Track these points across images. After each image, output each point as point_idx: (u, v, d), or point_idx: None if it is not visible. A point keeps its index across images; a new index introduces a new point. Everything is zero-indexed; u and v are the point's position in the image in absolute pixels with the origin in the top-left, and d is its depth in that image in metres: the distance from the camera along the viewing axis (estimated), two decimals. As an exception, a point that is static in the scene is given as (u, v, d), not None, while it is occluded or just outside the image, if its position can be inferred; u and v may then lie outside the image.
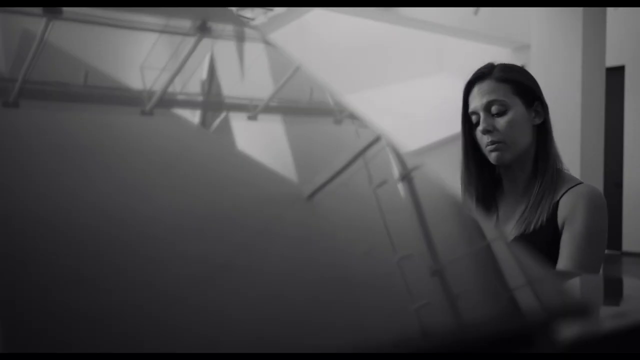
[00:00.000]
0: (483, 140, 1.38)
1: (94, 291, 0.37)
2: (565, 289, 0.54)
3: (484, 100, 1.36)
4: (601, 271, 1.42)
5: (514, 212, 1.40)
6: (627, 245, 7.43)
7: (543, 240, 1.31)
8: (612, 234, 7.23)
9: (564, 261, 1.29)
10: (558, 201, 1.33)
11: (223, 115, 0.71)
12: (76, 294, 0.36)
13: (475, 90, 1.39)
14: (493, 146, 1.35)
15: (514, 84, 1.36)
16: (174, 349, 0.34)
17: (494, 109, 1.35)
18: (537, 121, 1.38)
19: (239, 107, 0.72)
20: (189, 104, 0.71)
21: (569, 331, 0.47)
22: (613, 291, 0.84)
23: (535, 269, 0.55)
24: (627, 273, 6.47)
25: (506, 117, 1.35)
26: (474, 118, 1.39)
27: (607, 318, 0.63)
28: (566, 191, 1.34)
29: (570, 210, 1.31)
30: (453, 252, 0.56)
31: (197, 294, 0.39)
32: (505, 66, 1.40)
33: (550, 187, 1.35)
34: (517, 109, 1.36)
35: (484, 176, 1.44)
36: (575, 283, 0.89)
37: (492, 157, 1.37)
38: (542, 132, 1.38)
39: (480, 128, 1.37)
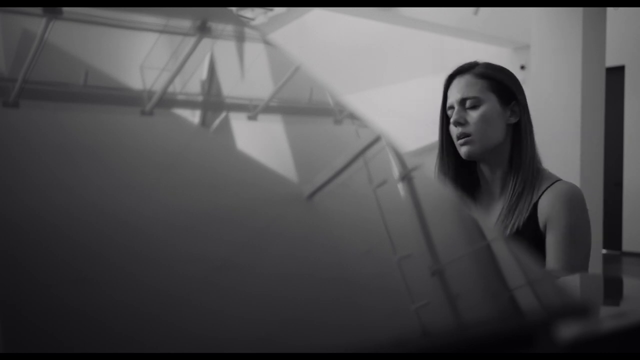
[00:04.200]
0: (454, 133, 1.39)
1: (94, 291, 0.37)
2: (565, 289, 0.53)
3: (459, 95, 1.37)
4: (601, 271, 1.42)
5: (491, 213, 1.40)
6: (627, 245, 7.43)
7: (524, 242, 1.30)
8: (612, 234, 7.24)
9: (551, 263, 1.30)
10: (537, 201, 1.33)
11: (223, 115, 0.71)
12: (76, 293, 0.36)
13: (454, 85, 1.40)
14: (463, 140, 1.36)
15: (492, 81, 1.37)
16: (174, 349, 0.34)
17: (468, 102, 1.36)
18: (512, 120, 1.38)
19: (239, 107, 0.72)
20: (189, 104, 0.71)
21: (569, 331, 0.47)
22: (613, 291, 0.84)
23: (535, 269, 0.55)
24: (627, 273, 6.46)
25: (478, 111, 1.35)
26: (449, 112, 1.40)
27: (607, 318, 0.63)
28: (545, 190, 1.33)
29: (550, 210, 1.31)
30: (453, 252, 0.56)
31: (197, 293, 0.39)
32: (488, 64, 1.41)
33: (527, 186, 1.34)
34: (491, 104, 1.36)
35: (462, 174, 1.44)
36: (575, 283, 0.89)
37: (462, 150, 1.38)
38: (517, 131, 1.39)
39: (452, 120, 1.38)
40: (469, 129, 1.36)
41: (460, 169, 1.44)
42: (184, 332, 0.35)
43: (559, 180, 1.36)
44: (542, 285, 0.53)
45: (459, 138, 1.37)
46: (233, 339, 0.36)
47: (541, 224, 1.32)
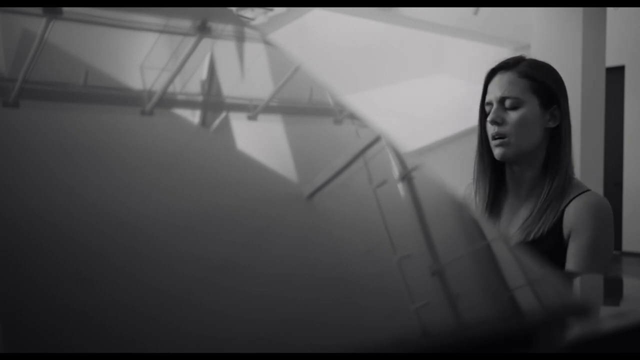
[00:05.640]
0: (490, 131, 1.34)
1: (94, 291, 0.37)
2: (565, 289, 0.54)
3: (499, 93, 1.32)
4: None
5: (515, 216, 1.36)
6: (627, 245, 7.43)
7: (545, 249, 1.28)
8: (612, 234, 7.23)
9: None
10: (564, 209, 1.30)
11: (223, 115, 0.71)
12: (76, 293, 0.36)
13: (495, 80, 1.35)
14: (498, 141, 1.32)
15: (535, 82, 1.32)
16: (174, 349, 0.34)
17: (507, 102, 1.32)
18: (551, 125, 1.34)
19: (239, 107, 0.72)
20: (189, 104, 0.71)
21: (569, 331, 0.47)
22: (613, 291, 0.84)
23: (535, 269, 0.55)
24: (627, 273, 6.46)
25: (517, 113, 1.31)
26: (487, 108, 1.36)
27: (607, 318, 0.63)
28: (572, 199, 1.30)
29: (576, 220, 1.28)
30: (453, 252, 0.56)
31: (197, 293, 0.39)
32: (533, 62, 1.36)
33: (558, 195, 1.31)
34: (531, 107, 1.31)
35: (497, 170, 1.40)
36: (575, 283, 0.89)
37: (496, 152, 1.33)
38: (556, 136, 1.34)
39: (489, 118, 1.33)
40: (505, 129, 1.31)
41: (492, 167, 1.39)
42: (184, 332, 0.35)
43: (588, 190, 1.32)
44: (542, 285, 0.53)
45: (494, 138, 1.33)
46: (233, 339, 0.36)
47: (565, 233, 1.29)
